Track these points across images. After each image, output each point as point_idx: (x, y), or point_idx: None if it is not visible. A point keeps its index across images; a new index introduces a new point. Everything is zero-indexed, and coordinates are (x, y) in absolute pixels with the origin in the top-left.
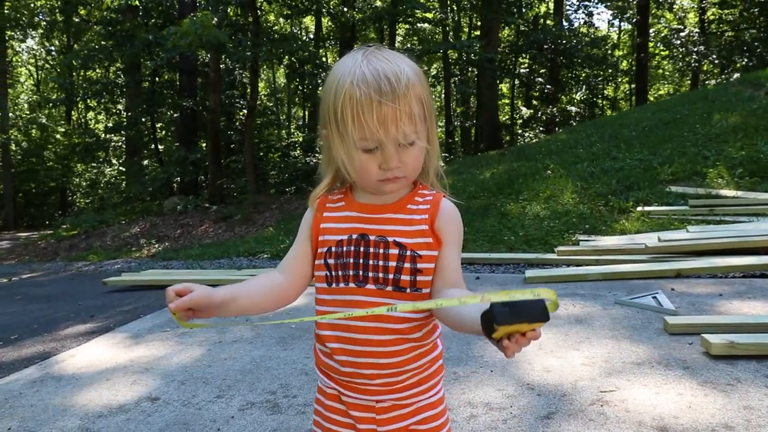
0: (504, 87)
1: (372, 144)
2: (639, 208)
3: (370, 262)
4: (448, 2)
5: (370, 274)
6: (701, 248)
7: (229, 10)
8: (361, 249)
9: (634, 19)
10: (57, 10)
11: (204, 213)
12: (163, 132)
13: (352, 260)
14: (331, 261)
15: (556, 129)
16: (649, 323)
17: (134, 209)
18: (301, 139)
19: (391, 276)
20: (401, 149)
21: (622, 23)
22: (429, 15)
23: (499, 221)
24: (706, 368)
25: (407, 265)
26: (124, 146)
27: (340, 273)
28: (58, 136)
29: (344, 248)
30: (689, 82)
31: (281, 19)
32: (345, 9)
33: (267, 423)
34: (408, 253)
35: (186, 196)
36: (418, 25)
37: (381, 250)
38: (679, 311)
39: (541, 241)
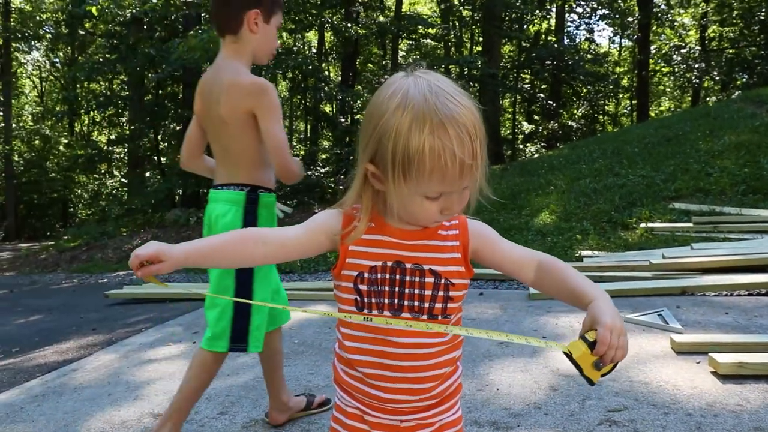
0: (506, 102)
1: (439, 193)
2: (642, 225)
3: (406, 290)
4: (450, 18)
5: (406, 303)
6: (706, 266)
7: None
8: (397, 277)
9: (635, 36)
10: (62, 23)
11: None
12: (166, 143)
13: (387, 288)
14: (363, 287)
15: (557, 144)
16: (655, 341)
17: (136, 221)
18: (303, 153)
19: (426, 305)
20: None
21: (623, 40)
22: (431, 31)
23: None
24: (715, 388)
25: (441, 293)
26: (126, 158)
27: (373, 300)
28: (60, 147)
29: (378, 275)
30: (690, 98)
31: (284, 34)
32: (348, 24)
33: None
34: (442, 281)
35: (188, 209)
36: (421, 40)
37: (417, 279)
38: (686, 329)
39: None
